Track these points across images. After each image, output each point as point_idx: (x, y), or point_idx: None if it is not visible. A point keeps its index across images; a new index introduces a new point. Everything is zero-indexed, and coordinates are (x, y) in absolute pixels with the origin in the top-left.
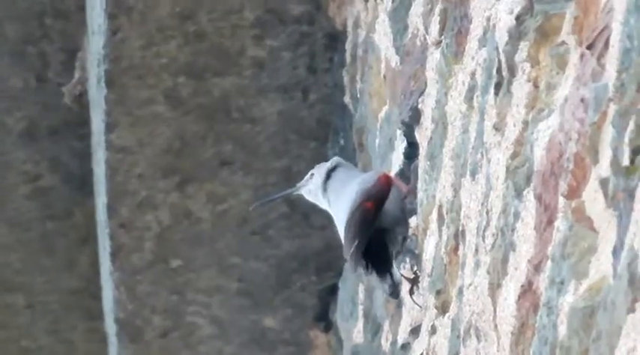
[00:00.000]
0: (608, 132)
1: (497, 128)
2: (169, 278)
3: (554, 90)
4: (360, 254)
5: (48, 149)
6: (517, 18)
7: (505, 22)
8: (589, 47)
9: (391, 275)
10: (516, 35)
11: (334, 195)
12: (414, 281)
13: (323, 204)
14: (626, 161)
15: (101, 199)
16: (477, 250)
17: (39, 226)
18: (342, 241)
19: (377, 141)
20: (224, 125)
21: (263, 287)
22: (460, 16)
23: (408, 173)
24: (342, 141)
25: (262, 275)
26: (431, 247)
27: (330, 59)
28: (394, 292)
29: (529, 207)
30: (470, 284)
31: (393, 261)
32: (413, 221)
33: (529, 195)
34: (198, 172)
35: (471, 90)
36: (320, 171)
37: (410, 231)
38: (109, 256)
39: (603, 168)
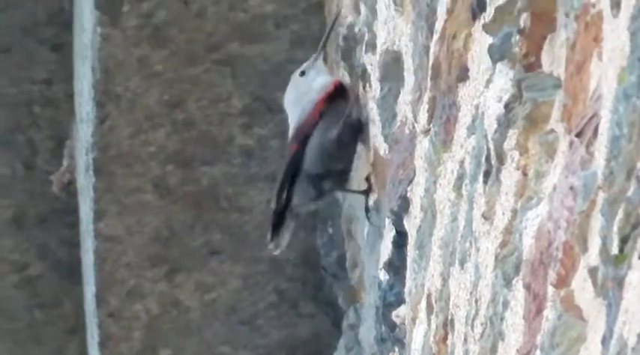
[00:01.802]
0: (597, 221)
1: (486, 217)
2: None
3: (543, 178)
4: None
5: (36, 237)
6: (506, 106)
7: (494, 109)
8: (578, 135)
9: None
10: (505, 123)
11: (290, 107)
12: (367, 193)
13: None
14: (615, 249)
15: (90, 288)
16: (465, 339)
17: (27, 315)
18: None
19: (365, 229)
20: (212, 214)
21: None
22: (449, 104)
23: (397, 263)
24: (330, 230)
25: None
26: (420, 336)
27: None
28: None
29: (518, 296)
30: None
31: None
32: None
33: (518, 284)
34: (187, 261)
35: (460, 178)
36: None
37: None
38: (98, 346)
39: (592, 256)
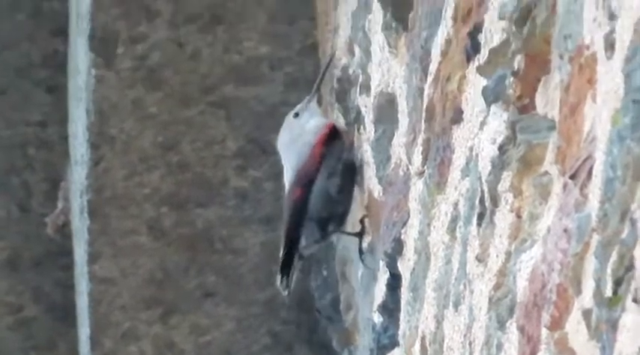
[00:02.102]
0: (590, 263)
1: (480, 259)
2: None
3: (537, 220)
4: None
5: (31, 280)
6: (500, 148)
7: (488, 151)
8: (572, 177)
9: (288, 274)
10: (499, 165)
11: (284, 149)
12: (361, 236)
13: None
14: (608, 292)
15: (84, 330)
16: None
17: None
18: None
19: (359, 271)
20: (207, 256)
21: None
22: (443, 146)
23: (391, 305)
24: (324, 272)
25: None
26: None
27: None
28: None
29: (512, 338)
30: None
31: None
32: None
33: (512, 327)
34: (181, 303)
35: (454, 220)
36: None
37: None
38: None
39: (586, 299)
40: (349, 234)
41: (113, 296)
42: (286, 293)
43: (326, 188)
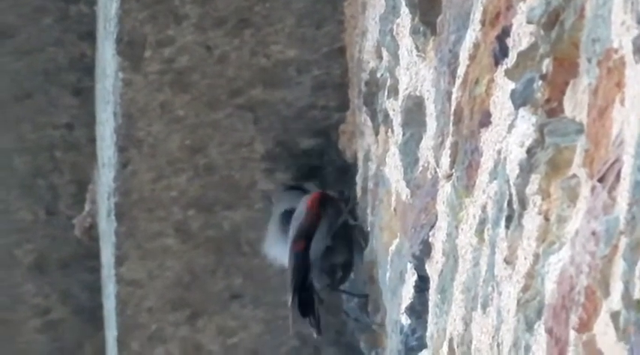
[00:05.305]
0: (619, 266)
1: (508, 261)
2: None
3: (565, 223)
4: (297, 309)
5: (58, 282)
6: (528, 151)
7: (516, 154)
8: (600, 180)
9: (313, 314)
10: (527, 168)
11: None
12: (367, 297)
13: None
14: (637, 294)
15: (111, 333)
16: None
17: None
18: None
19: (387, 274)
20: (234, 258)
21: None
22: (471, 150)
23: (418, 307)
24: (352, 275)
25: None
26: None
27: (341, 192)
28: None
29: (540, 340)
30: None
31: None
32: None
33: (540, 329)
34: (208, 305)
35: (482, 223)
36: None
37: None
38: None
39: (614, 301)
40: (356, 295)
41: (140, 298)
42: (316, 333)
43: (324, 240)
